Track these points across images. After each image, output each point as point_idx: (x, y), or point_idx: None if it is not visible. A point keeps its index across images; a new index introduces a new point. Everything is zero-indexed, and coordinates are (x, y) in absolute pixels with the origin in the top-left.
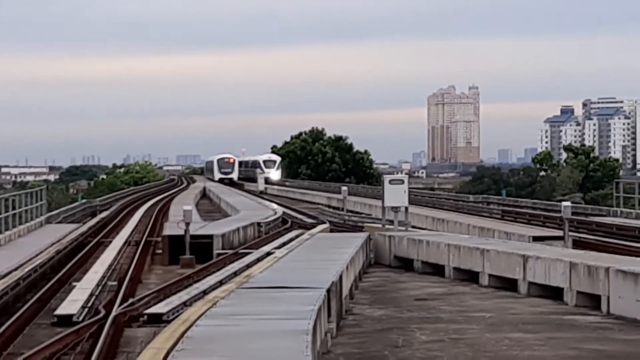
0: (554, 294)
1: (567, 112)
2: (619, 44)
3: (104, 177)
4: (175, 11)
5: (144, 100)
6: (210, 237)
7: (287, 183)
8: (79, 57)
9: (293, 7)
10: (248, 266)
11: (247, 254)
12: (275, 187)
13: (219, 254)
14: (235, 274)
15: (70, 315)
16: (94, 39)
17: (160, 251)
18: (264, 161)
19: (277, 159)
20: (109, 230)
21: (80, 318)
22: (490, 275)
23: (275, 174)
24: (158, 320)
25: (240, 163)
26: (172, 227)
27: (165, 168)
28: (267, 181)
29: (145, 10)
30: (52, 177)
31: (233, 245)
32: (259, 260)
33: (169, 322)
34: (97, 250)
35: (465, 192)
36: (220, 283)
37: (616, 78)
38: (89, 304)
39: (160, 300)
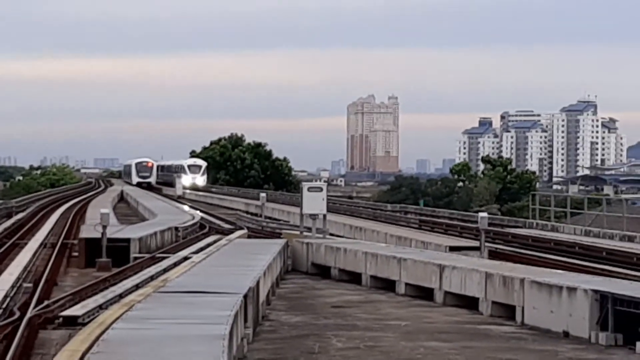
0: (470, 303)
1: (485, 124)
2: (538, 58)
3: (20, 178)
4: (95, 13)
5: (61, 102)
6: (128, 240)
7: (213, 189)
8: None
9: (213, 11)
10: (165, 270)
11: (164, 258)
12: (194, 192)
13: (135, 258)
14: (152, 278)
15: None
16: (12, 38)
17: (76, 254)
18: (189, 166)
19: (203, 164)
20: (25, 231)
21: None
22: (406, 284)
23: (200, 180)
24: (73, 323)
25: (162, 167)
26: (89, 230)
27: (82, 171)
28: (193, 187)
29: (66, 10)
30: None
31: (150, 249)
32: (176, 264)
33: (84, 324)
34: (13, 251)
35: (384, 201)
36: (137, 287)
37: (534, 92)
38: (4, 305)
39: (76, 303)
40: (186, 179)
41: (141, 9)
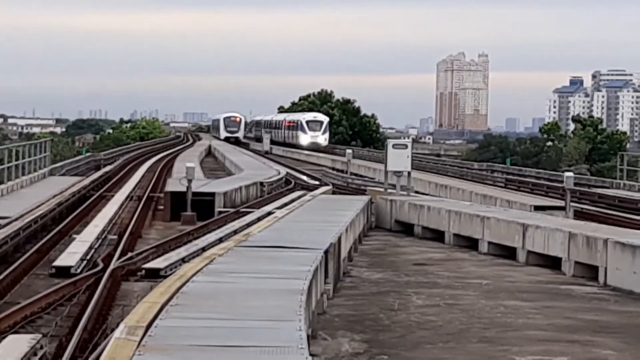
0: (552, 263)
1: (576, 83)
2: (632, 17)
3: (110, 131)
4: None
5: (153, 57)
6: (212, 194)
7: (336, 150)
8: (90, 8)
9: None
10: (248, 225)
11: (248, 213)
12: (282, 147)
13: (220, 212)
14: (235, 232)
15: (69, 267)
16: None
17: (162, 207)
18: (308, 122)
19: (325, 119)
20: (112, 184)
21: (79, 270)
22: (489, 243)
23: (322, 139)
24: (155, 275)
25: (264, 123)
26: (174, 184)
27: (171, 125)
28: (313, 148)
29: None
30: (58, 130)
31: (235, 204)
32: (259, 219)
33: (166, 277)
34: (99, 203)
35: (472, 160)
36: (220, 241)
37: (627, 50)
38: (88, 257)
39: (159, 256)
40: (304, 138)
41: None
